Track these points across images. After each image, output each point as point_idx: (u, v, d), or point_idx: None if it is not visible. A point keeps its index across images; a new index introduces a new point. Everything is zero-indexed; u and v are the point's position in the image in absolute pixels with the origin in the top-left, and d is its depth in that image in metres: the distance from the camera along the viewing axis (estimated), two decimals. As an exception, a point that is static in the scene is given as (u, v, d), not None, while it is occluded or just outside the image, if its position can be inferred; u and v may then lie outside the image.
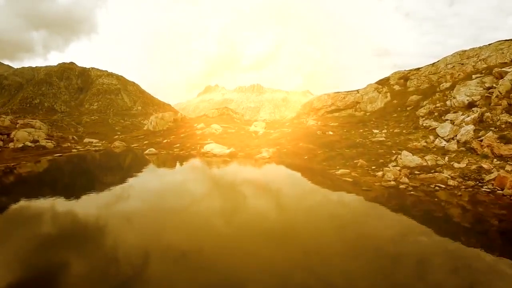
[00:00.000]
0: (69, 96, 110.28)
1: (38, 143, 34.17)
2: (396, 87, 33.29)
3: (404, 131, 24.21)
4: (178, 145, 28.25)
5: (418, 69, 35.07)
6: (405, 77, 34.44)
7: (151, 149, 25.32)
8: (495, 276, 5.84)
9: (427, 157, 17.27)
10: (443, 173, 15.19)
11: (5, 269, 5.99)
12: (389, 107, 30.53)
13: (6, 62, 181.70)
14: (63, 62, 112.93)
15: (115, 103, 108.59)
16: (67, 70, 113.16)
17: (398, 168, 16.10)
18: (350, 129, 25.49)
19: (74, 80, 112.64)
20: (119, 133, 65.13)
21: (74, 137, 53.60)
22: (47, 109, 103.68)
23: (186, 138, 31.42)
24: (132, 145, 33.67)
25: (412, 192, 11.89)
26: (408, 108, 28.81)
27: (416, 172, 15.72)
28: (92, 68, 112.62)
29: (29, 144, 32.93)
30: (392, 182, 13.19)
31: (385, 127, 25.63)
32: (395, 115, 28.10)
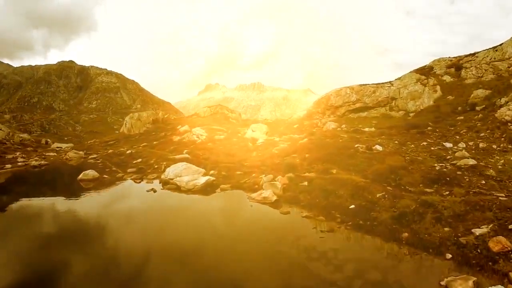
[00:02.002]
0: (68, 95, 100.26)
1: (-28, 153, 23.99)
2: (447, 78, 22.38)
3: (494, 146, 13.50)
4: (139, 160, 17.65)
5: (472, 54, 24.10)
6: (456, 65, 23.51)
7: (88, 172, 14.73)
8: None
9: None
10: None
11: None
12: (443, 105, 19.67)
13: (6, 61, 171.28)
14: (62, 61, 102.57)
15: (114, 101, 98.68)
16: (66, 68, 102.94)
17: None
18: (402, 140, 14.73)
19: (73, 79, 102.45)
20: (117, 132, 55.03)
21: (48, 140, 43.21)
22: (45, 108, 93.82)
23: (158, 147, 20.85)
24: (91, 157, 23.17)
25: None
26: (477, 108, 17.97)
27: None
28: (92, 66, 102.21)
29: (-44, 154, 22.66)
30: None
31: (457, 137, 14.85)
32: (461, 117, 17.27)
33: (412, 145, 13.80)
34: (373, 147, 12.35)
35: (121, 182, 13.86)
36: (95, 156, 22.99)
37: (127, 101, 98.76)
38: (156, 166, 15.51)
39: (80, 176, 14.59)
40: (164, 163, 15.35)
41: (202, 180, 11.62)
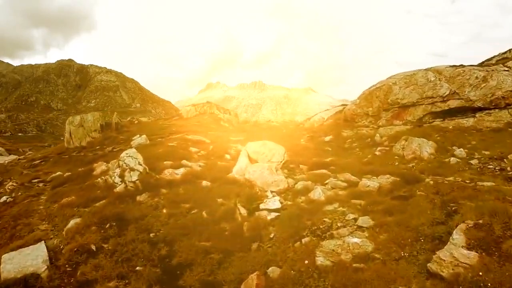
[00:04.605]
0: (67, 94, 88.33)
1: None
2: None
3: None
4: None
5: None
6: None
7: None
8: None
9: None
10: None
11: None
12: None
13: (6, 60, 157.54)
14: (61, 59, 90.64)
15: (113, 100, 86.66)
16: (65, 67, 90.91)
17: None
18: None
19: (72, 77, 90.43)
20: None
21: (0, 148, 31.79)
22: (43, 107, 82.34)
23: (52, 193, 8.99)
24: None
25: None
26: None
27: None
28: (91, 65, 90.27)
29: None
30: None
31: None
32: None
33: None
34: None
35: None
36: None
37: (126, 100, 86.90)
38: None
39: None
40: None
41: None
